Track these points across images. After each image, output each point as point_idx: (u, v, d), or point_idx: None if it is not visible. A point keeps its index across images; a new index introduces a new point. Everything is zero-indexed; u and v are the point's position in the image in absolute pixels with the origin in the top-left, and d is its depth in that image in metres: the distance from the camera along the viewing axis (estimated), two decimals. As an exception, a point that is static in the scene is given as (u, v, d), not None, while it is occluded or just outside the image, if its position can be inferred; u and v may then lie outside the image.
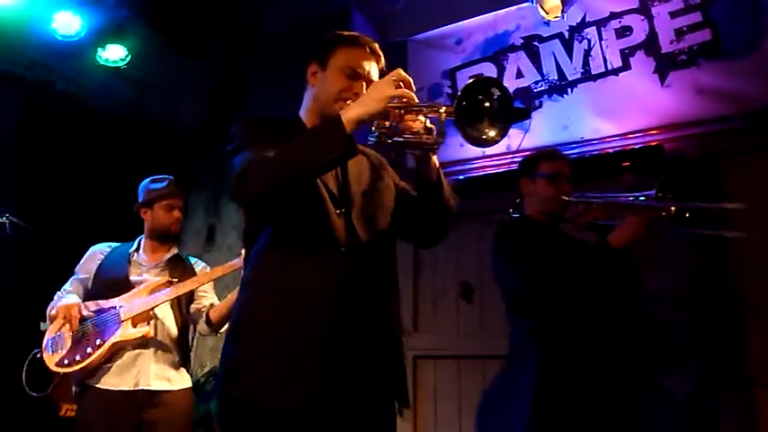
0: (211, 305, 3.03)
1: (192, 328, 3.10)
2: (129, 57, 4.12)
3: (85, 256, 3.10)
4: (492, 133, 1.63)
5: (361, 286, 1.72)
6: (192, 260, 3.24)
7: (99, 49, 4.07)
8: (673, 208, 2.50)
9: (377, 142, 1.70)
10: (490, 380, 3.83)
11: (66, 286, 3.03)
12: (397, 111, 1.65)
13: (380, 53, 1.91)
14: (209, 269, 3.18)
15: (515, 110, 3.64)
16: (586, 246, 2.67)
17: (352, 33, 1.93)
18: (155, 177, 3.17)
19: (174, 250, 3.17)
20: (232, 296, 2.84)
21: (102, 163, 4.20)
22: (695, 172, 3.38)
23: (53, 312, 2.87)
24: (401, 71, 1.67)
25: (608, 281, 2.52)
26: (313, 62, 1.92)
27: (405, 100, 1.63)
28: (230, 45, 4.74)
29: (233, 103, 4.79)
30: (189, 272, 3.10)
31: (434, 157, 1.78)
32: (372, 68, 1.88)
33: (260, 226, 1.80)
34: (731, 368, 3.20)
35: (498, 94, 1.63)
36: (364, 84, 1.84)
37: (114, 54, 4.11)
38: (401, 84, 1.64)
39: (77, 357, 2.77)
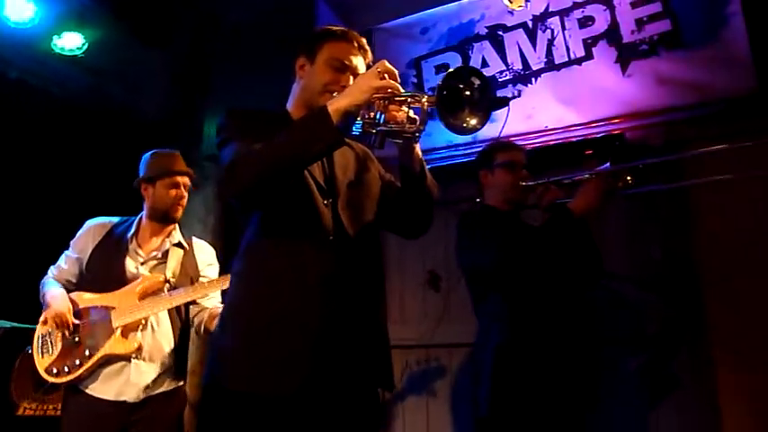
0: (210, 313, 2.74)
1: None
2: (87, 45, 3.99)
3: (82, 231, 2.85)
4: (473, 122, 1.67)
5: (349, 275, 1.75)
6: (197, 244, 2.96)
7: (54, 37, 3.93)
8: (629, 177, 2.63)
9: (361, 132, 1.72)
10: (457, 367, 3.88)
11: (61, 263, 2.83)
12: (381, 101, 1.67)
13: (368, 48, 1.95)
14: (213, 254, 2.97)
15: (495, 98, 3.66)
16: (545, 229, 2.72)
17: (341, 28, 1.96)
18: (160, 150, 2.90)
19: (176, 236, 2.89)
20: None
21: (62, 153, 4.05)
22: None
23: (44, 315, 2.67)
24: (386, 63, 1.69)
25: (567, 256, 2.59)
26: (301, 55, 1.95)
27: (389, 91, 1.65)
28: (193, 32, 4.64)
29: (196, 91, 4.68)
30: (189, 265, 2.85)
31: (417, 148, 1.81)
32: (359, 63, 1.91)
33: (247, 218, 1.82)
34: (690, 342, 3.31)
35: (478, 83, 1.67)
36: (351, 77, 1.87)
37: (70, 42, 3.97)
38: (386, 75, 1.66)
39: (66, 368, 2.60)
